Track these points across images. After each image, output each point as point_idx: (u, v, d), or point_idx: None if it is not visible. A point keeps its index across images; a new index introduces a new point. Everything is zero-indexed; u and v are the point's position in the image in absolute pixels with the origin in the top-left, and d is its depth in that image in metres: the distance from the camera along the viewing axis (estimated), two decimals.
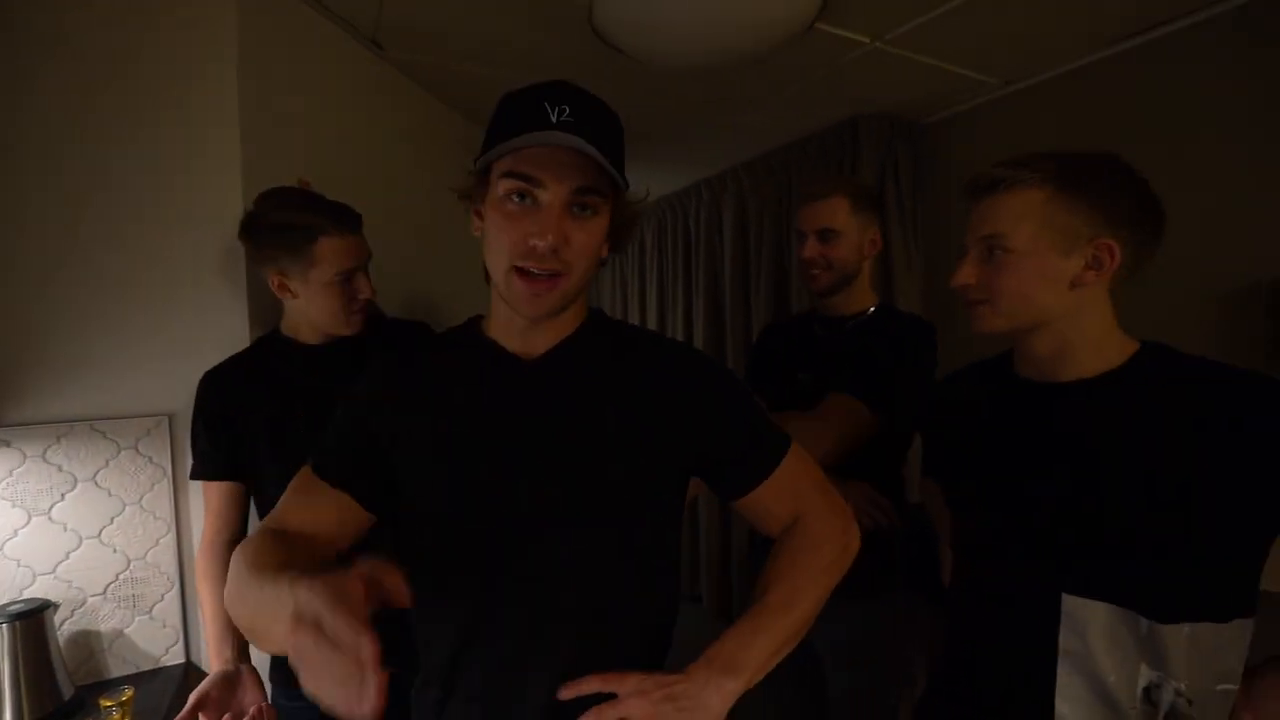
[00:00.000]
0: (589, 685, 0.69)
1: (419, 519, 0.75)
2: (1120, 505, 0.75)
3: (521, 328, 0.73)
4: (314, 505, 0.74)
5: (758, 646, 0.70)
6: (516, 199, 0.66)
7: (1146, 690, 0.73)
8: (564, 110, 0.65)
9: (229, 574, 0.69)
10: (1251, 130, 1.49)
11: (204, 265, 1.26)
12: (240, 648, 1.12)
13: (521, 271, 0.67)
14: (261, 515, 1.17)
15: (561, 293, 0.69)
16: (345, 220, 1.12)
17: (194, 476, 1.16)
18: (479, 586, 0.72)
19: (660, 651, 0.78)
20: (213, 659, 1.13)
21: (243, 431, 1.13)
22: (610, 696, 0.69)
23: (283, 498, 0.76)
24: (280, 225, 1.08)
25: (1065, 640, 0.77)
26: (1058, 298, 0.78)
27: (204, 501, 1.17)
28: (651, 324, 3.57)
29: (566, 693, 0.70)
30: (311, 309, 1.13)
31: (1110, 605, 0.75)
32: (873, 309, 1.36)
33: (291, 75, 1.43)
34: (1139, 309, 1.53)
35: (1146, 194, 0.78)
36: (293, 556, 0.65)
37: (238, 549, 0.70)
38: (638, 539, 0.74)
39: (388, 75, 1.80)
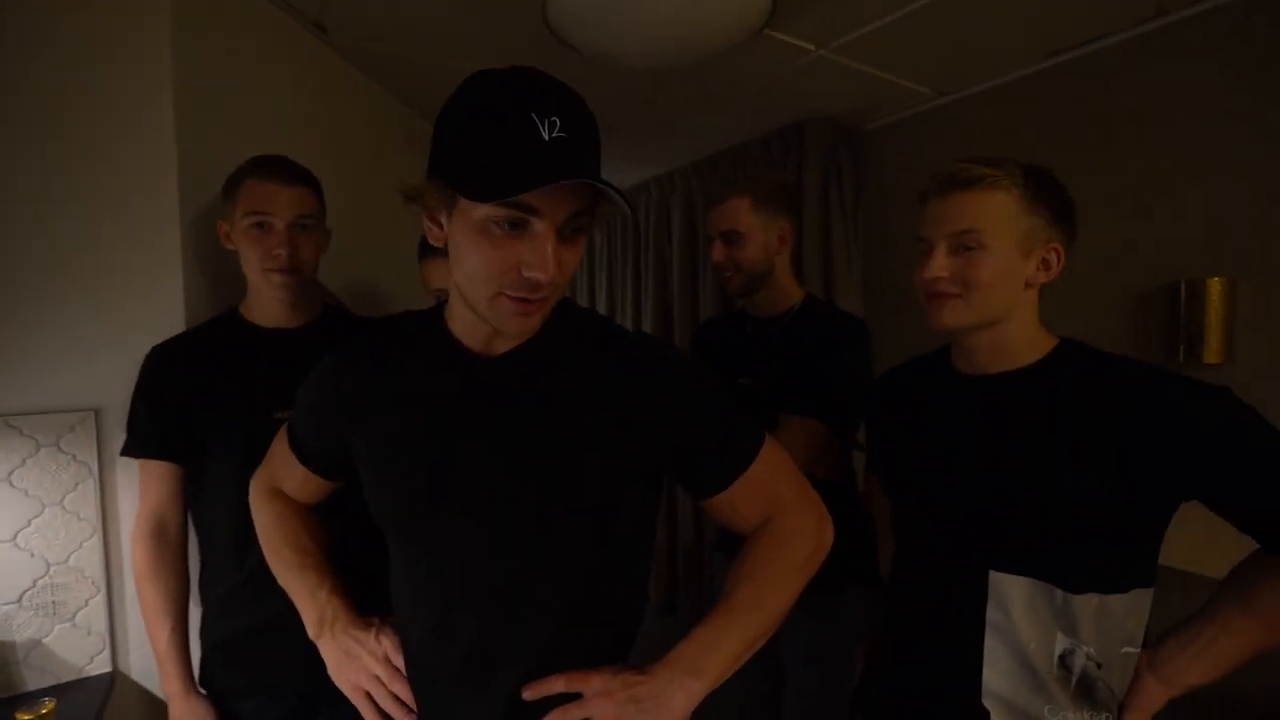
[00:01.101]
0: (554, 685, 0.69)
1: (387, 511, 0.75)
2: (1040, 487, 0.81)
3: (487, 331, 0.70)
4: (294, 473, 0.86)
5: (724, 647, 0.69)
6: (506, 226, 0.60)
7: (1062, 657, 0.80)
8: (555, 124, 0.58)
9: (257, 520, 0.89)
10: (1169, 144, 1.63)
11: (136, 251, 1.19)
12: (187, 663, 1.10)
13: (511, 297, 0.63)
14: (196, 499, 1.13)
15: (548, 308, 0.68)
16: (276, 169, 1.10)
17: (125, 453, 1.10)
18: (455, 578, 0.72)
19: (627, 646, 0.78)
20: (167, 678, 1.08)
21: (188, 411, 1.08)
22: (575, 695, 0.69)
23: (273, 457, 0.89)
24: (230, 174, 1.13)
25: (991, 613, 0.82)
26: (1014, 295, 0.84)
27: (139, 482, 1.12)
28: None
29: (531, 694, 0.69)
30: (242, 262, 1.12)
31: (1030, 579, 0.81)
32: (798, 306, 1.38)
33: (229, 59, 1.36)
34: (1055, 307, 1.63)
35: (1074, 207, 0.87)
36: (311, 533, 0.87)
37: (260, 500, 0.89)
38: (613, 529, 0.72)
39: (332, 61, 1.75)
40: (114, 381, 1.15)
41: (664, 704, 0.67)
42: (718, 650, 0.69)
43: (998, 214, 0.81)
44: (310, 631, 0.81)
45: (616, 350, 0.74)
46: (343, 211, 1.22)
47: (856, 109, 2.23)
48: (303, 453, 0.84)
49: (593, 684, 0.68)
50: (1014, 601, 0.81)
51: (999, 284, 0.83)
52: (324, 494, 0.89)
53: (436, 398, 0.73)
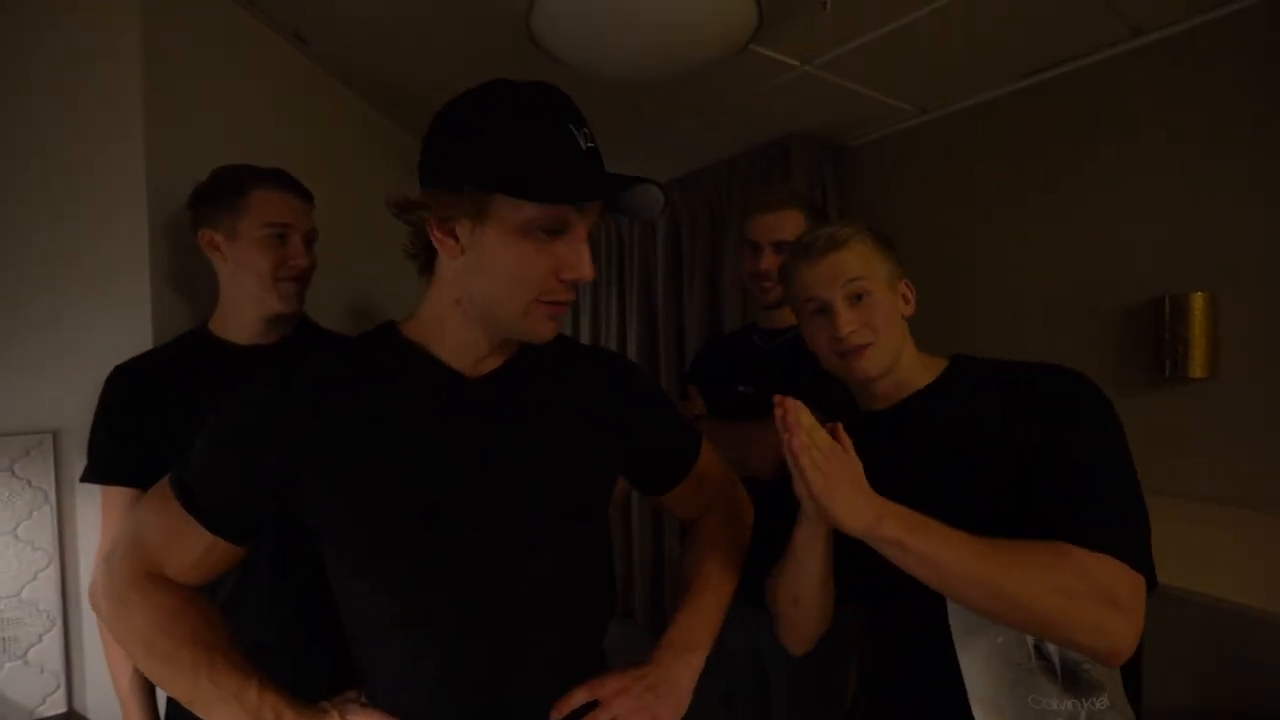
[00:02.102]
0: (577, 698, 0.72)
1: (367, 556, 0.69)
2: (971, 487, 0.82)
3: (484, 350, 0.71)
4: (188, 546, 0.68)
5: (708, 619, 0.80)
6: (547, 230, 0.62)
7: (1037, 646, 0.79)
8: (586, 134, 0.64)
9: (129, 626, 0.68)
10: (1147, 160, 1.65)
11: (99, 262, 1.14)
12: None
13: (545, 302, 0.66)
14: None
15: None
16: (291, 182, 1.11)
17: (86, 479, 1.03)
18: (464, 610, 0.69)
19: None
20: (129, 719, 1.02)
21: (155, 434, 1.01)
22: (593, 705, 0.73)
23: (145, 532, 0.70)
24: (216, 181, 1.09)
25: (954, 619, 0.82)
26: (901, 330, 0.93)
27: (101, 509, 1.05)
28: (585, 337, 3.55)
29: (558, 713, 0.71)
30: (240, 273, 1.06)
31: None
32: None
33: (203, 67, 1.32)
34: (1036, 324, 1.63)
35: None
36: (212, 624, 0.69)
37: (133, 596, 0.68)
38: (605, 531, 0.83)
39: (312, 72, 1.71)
40: (74, 401, 1.09)
41: (675, 683, 0.75)
42: (703, 624, 0.80)
43: (869, 262, 0.91)
44: None
45: (583, 364, 0.80)
46: (324, 225, 1.19)
47: (841, 125, 2.24)
48: (211, 514, 0.67)
49: (609, 686, 0.73)
50: (980, 630, 0.80)
51: (891, 322, 0.90)
52: (221, 570, 0.72)
53: (423, 423, 0.69)
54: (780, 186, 2.31)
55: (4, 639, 1.07)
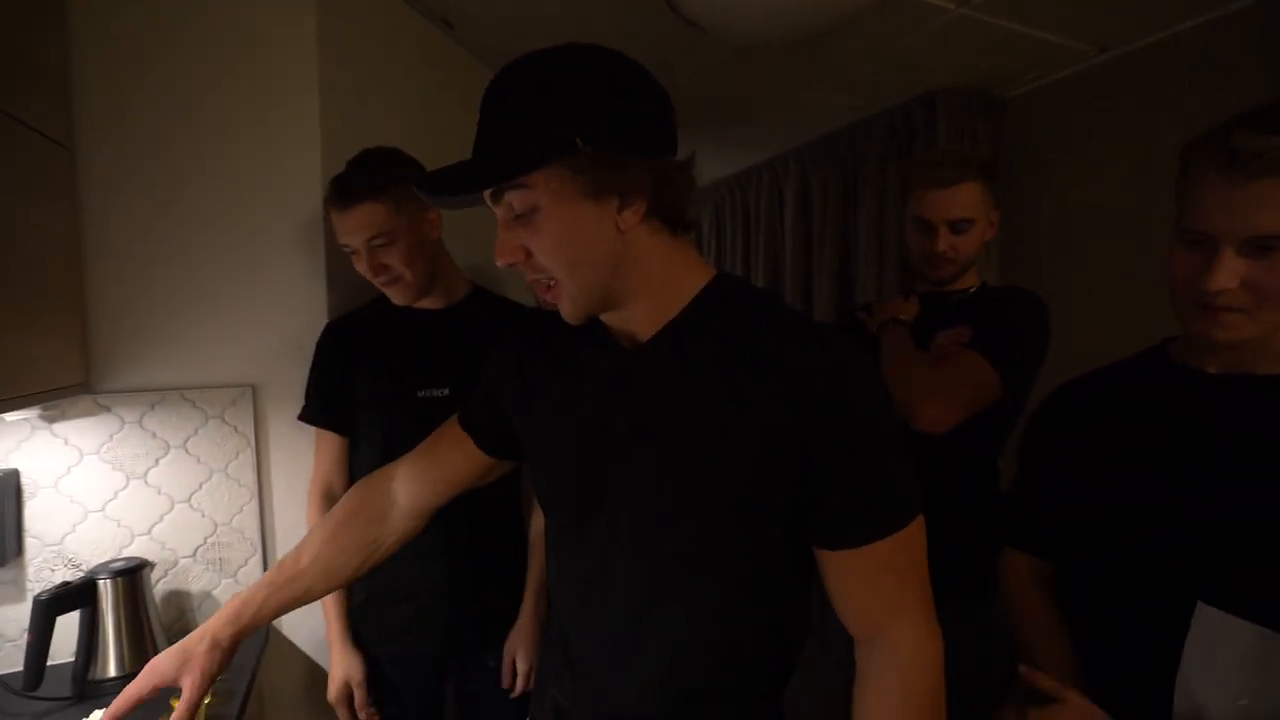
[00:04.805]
0: None
1: (539, 491, 0.79)
2: None
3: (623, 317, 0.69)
4: (455, 455, 0.84)
5: None
6: None
7: None
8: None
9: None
10: None
11: (283, 242, 1.30)
12: None
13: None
14: (354, 469, 1.21)
15: (555, 292, 0.65)
16: (339, 194, 1.09)
17: (300, 418, 1.21)
18: (590, 569, 0.72)
19: (775, 657, 0.72)
20: (329, 626, 1.19)
21: (348, 386, 1.17)
22: None
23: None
24: None
25: (1190, 652, 0.66)
26: None
27: (314, 448, 1.23)
28: None
29: None
30: None
31: (1259, 627, 0.63)
32: (974, 288, 1.27)
33: (365, 53, 1.44)
34: None
35: None
36: (317, 550, 0.83)
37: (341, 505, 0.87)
38: (744, 546, 0.65)
39: (458, 56, 1.81)
40: (267, 361, 1.26)
41: None
42: None
43: None
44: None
45: (780, 340, 0.62)
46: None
47: (998, 74, 2.02)
48: (469, 420, 0.84)
49: None
50: (1227, 645, 0.64)
51: None
52: (479, 470, 0.85)
53: (583, 384, 0.72)
54: (953, 151, 2.06)
55: (220, 560, 1.27)
